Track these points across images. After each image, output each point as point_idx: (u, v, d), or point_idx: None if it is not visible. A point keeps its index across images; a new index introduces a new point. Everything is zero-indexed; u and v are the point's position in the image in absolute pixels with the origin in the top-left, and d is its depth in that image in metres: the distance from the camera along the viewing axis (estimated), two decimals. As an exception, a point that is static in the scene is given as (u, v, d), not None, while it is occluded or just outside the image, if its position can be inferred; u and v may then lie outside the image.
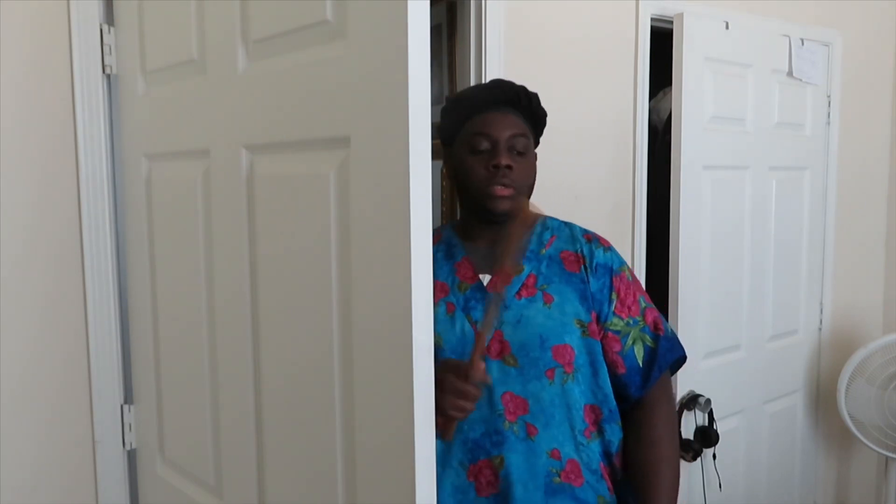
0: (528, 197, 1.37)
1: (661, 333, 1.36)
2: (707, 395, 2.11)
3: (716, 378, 2.17)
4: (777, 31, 2.28)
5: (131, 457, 1.58)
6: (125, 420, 1.55)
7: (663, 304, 2.17)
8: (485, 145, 1.31)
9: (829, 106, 2.48)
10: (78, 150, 1.46)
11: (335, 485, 1.03)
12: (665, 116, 2.60)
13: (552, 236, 1.38)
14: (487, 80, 1.44)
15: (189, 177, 1.30)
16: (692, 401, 2.08)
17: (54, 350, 1.48)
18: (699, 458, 2.12)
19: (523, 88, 1.35)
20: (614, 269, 1.36)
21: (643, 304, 1.38)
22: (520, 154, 1.32)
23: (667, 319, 1.45)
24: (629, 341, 1.34)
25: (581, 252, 1.36)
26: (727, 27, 2.12)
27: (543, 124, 1.41)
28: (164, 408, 1.46)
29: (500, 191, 1.30)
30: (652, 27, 2.10)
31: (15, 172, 1.41)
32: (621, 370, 1.33)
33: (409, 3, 0.85)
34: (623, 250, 2.07)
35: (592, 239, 1.39)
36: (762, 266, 2.31)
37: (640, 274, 2.12)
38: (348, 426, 1.01)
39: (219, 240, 1.24)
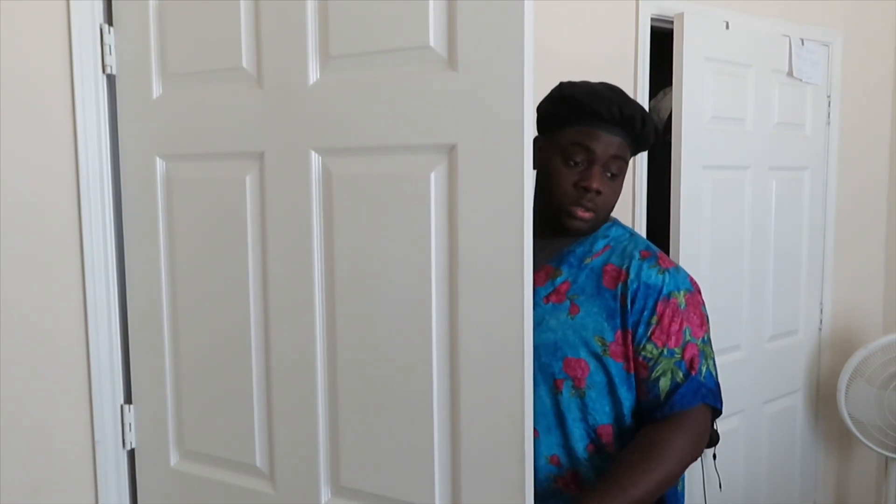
0: (607, 218, 1.33)
1: (694, 373, 1.24)
2: (707, 395, 2.10)
3: (716, 378, 2.17)
4: (777, 31, 2.27)
5: (131, 457, 1.57)
6: (125, 420, 1.55)
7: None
8: (580, 158, 1.26)
9: (829, 106, 2.48)
10: (78, 150, 1.46)
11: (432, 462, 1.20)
12: (665, 116, 2.60)
13: (606, 246, 1.31)
14: (605, 83, 1.32)
15: (235, 177, 1.35)
16: (692, 401, 2.08)
17: (54, 350, 1.48)
18: (699, 458, 2.12)
19: (641, 112, 1.28)
20: (663, 293, 1.25)
21: (687, 337, 1.25)
22: (612, 176, 1.28)
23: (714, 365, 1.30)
24: (657, 372, 1.24)
25: (626, 268, 1.26)
26: (727, 27, 2.12)
27: (647, 147, 1.35)
28: (184, 402, 1.48)
29: (582, 213, 1.27)
30: (652, 27, 2.10)
31: (15, 172, 1.41)
32: (643, 397, 1.26)
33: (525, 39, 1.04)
34: (623, 250, 2.07)
35: (650, 257, 1.29)
36: (762, 266, 2.31)
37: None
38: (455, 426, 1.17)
39: (279, 233, 1.32)
